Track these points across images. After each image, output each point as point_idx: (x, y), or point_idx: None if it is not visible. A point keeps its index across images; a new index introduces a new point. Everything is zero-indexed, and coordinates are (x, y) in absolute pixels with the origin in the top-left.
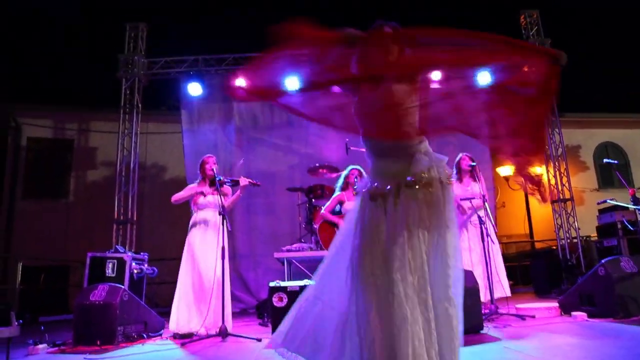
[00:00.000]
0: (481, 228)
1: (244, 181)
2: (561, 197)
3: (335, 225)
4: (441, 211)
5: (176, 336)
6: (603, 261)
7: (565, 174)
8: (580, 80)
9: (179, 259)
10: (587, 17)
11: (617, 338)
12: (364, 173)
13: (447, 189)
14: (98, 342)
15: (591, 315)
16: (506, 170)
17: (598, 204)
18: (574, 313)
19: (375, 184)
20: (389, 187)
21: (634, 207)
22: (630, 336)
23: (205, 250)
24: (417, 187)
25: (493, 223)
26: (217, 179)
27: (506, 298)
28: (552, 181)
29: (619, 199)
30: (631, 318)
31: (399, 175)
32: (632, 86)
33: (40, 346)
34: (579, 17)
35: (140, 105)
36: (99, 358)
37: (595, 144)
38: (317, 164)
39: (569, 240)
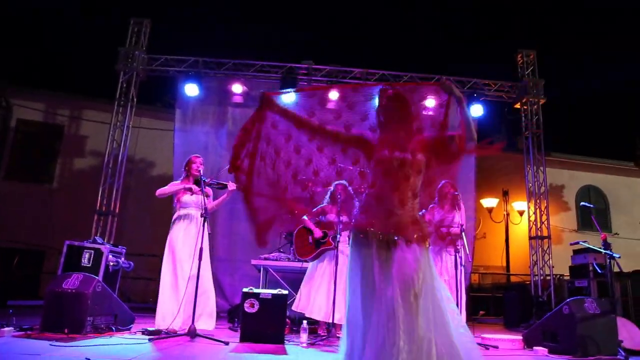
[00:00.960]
0: (455, 257)
1: (232, 186)
2: (539, 234)
3: (310, 233)
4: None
5: (145, 332)
6: (568, 300)
7: (546, 212)
8: (570, 122)
9: (157, 255)
10: (583, 64)
11: None
12: (348, 188)
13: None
14: (66, 330)
15: (552, 351)
16: (490, 202)
17: (571, 244)
18: (535, 347)
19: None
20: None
21: (604, 251)
22: None
23: (184, 249)
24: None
25: (468, 253)
26: (203, 180)
27: (472, 325)
28: (532, 218)
29: (597, 242)
30: (588, 357)
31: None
32: (618, 134)
33: (6, 329)
34: (575, 63)
35: (135, 99)
36: (65, 346)
37: (579, 186)
38: (304, 177)
39: (542, 277)
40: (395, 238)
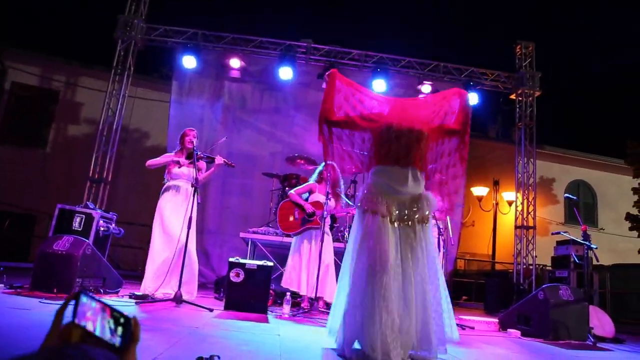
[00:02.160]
0: (439, 239)
1: (219, 160)
2: (525, 224)
3: (298, 207)
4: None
5: (132, 296)
6: (544, 286)
7: (533, 203)
8: (564, 116)
9: (147, 225)
10: (581, 59)
11: (538, 354)
12: (337, 169)
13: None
14: (55, 290)
15: (525, 334)
16: (480, 190)
17: (552, 234)
18: (510, 330)
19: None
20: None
21: (583, 242)
22: (551, 355)
23: (172, 217)
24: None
25: (451, 236)
26: (195, 153)
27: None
28: (520, 208)
29: (580, 235)
30: (559, 341)
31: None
32: (609, 131)
33: None
34: (573, 57)
35: (132, 68)
36: (54, 303)
37: (569, 180)
38: (296, 154)
39: (524, 266)
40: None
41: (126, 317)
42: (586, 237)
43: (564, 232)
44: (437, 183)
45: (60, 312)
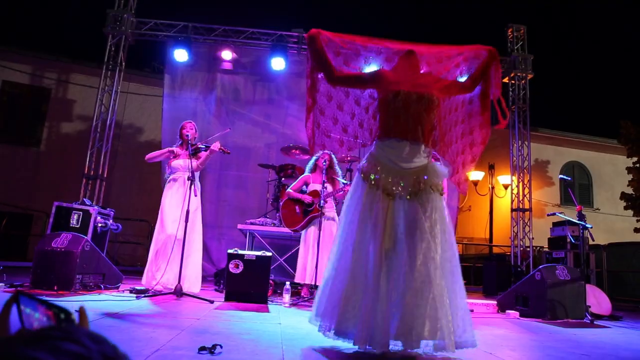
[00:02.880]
0: None
1: (215, 146)
2: (521, 207)
3: (297, 202)
4: None
5: (133, 290)
6: (540, 267)
7: (528, 185)
8: (557, 98)
9: (145, 220)
10: (571, 41)
11: (536, 333)
12: (334, 158)
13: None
14: (55, 287)
15: (523, 314)
16: (476, 175)
17: (548, 215)
18: (508, 311)
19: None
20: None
21: (578, 222)
22: (548, 333)
23: (171, 212)
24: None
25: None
26: (192, 144)
27: None
28: (515, 191)
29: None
30: (556, 320)
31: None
32: (603, 111)
33: None
34: (563, 40)
35: (124, 63)
36: (55, 300)
37: (564, 162)
38: (291, 144)
39: (522, 248)
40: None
41: (66, 311)
42: (581, 217)
43: (560, 213)
44: (453, 152)
45: (3, 321)
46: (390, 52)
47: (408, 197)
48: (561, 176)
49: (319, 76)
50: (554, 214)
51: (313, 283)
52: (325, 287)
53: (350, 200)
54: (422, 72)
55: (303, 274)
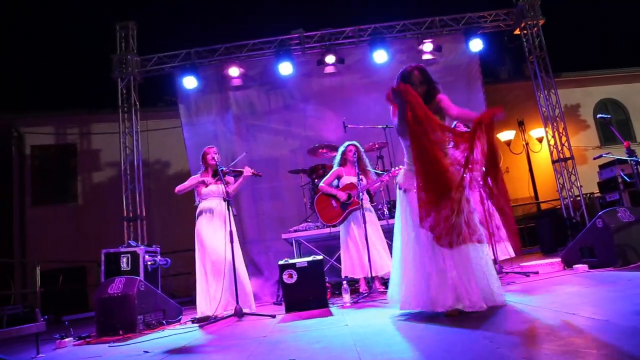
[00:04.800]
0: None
1: (247, 171)
2: (561, 157)
3: (332, 197)
4: None
5: (194, 320)
6: (600, 213)
7: (564, 133)
8: (576, 38)
9: (190, 250)
10: None
11: (614, 284)
12: (360, 148)
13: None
14: (120, 332)
15: (592, 266)
16: (507, 135)
17: (594, 159)
18: (575, 266)
19: None
20: None
21: (629, 159)
22: (626, 281)
23: (213, 237)
24: None
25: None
26: (220, 169)
27: (511, 259)
28: (552, 142)
29: (622, 153)
30: (630, 266)
31: None
32: (627, 41)
33: (67, 339)
34: None
35: (137, 103)
36: (123, 345)
37: (595, 102)
38: (316, 144)
39: (572, 199)
40: None
41: None
42: (631, 152)
43: (607, 154)
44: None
45: None
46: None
47: None
48: (600, 115)
49: None
50: (600, 156)
51: (369, 276)
52: None
53: (399, 209)
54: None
55: (355, 268)
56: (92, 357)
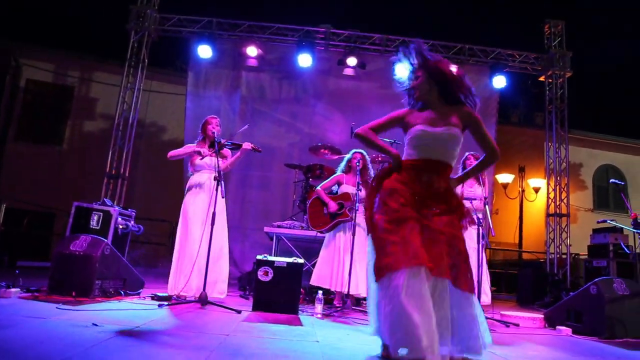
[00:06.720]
0: (478, 230)
1: (247, 145)
2: (557, 212)
3: (325, 205)
4: None
5: (155, 297)
6: (596, 280)
7: (566, 189)
8: (591, 99)
9: (167, 221)
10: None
11: (602, 358)
12: (367, 157)
13: None
14: (73, 293)
15: (576, 331)
16: (505, 177)
17: (598, 222)
18: (559, 327)
19: None
20: None
21: (635, 231)
22: (614, 358)
23: (195, 215)
24: None
25: (491, 227)
26: (217, 141)
27: (489, 304)
28: (552, 195)
29: (617, 221)
30: (615, 339)
31: None
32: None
33: (13, 290)
34: (602, 36)
35: (147, 60)
36: (72, 309)
37: (597, 165)
38: (320, 143)
39: (558, 255)
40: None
41: None
42: (637, 225)
43: (611, 220)
44: None
45: None
46: None
47: None
48: (613, 180)
49: None
50: (604, 221)
51: (346, 292)
52: None
53: None
54: None
55: (324, 279)
56: (35, 317)
